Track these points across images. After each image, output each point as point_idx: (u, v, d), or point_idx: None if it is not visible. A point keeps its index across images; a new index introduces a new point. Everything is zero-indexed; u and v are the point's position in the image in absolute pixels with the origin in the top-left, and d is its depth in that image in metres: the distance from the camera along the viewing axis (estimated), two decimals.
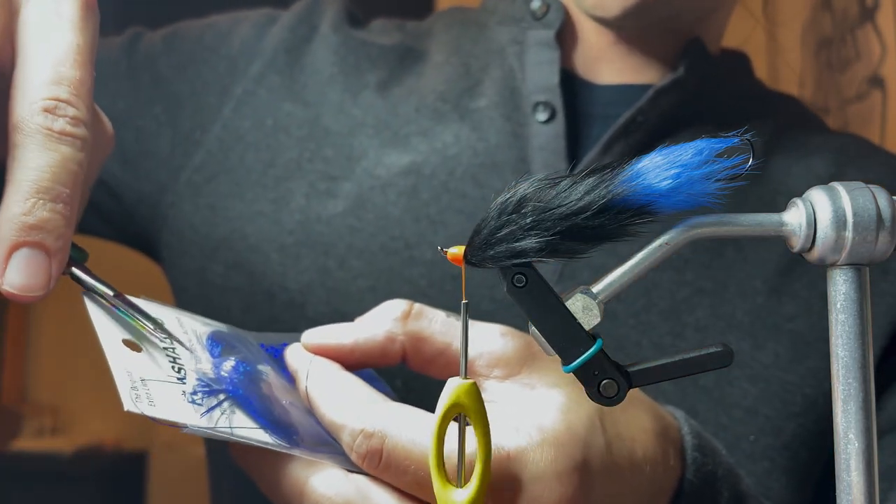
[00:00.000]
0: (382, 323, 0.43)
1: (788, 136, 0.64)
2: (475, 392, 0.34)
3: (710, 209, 0.31)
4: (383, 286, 0.58)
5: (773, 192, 0.60)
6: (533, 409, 0.40)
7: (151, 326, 0.39)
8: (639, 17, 0.57)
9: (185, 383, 0.38)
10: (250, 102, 0.64)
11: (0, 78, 0.37)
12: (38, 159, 0.34)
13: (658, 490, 0.42)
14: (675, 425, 0.44)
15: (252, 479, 0.42)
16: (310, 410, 0.41)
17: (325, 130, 0.63)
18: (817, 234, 0.31)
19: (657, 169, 0.30)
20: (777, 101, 0.68)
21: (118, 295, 0.39)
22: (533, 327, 0.32)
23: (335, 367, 0.42)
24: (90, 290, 0.38)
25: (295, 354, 0.44)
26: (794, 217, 0.31)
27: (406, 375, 0.45)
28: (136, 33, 0.70)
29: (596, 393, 0.32)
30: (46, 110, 0.35)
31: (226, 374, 0.39)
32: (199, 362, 0.39)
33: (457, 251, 0.33)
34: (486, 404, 0.35)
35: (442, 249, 0.33)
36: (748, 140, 0.30)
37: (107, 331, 0.37)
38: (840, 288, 0.31)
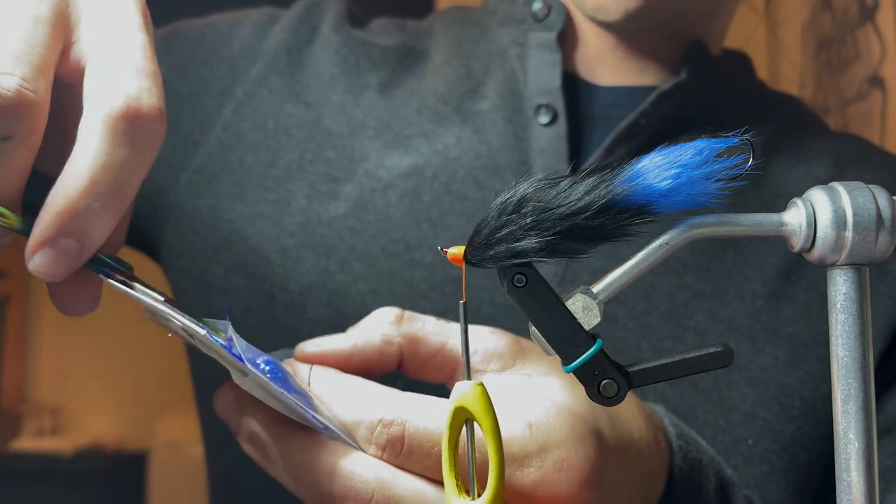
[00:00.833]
0: (378, 327, 0.43)
1: (789, 137, 0.64)
2: (484, 394, 0.33)
3: (710, 209, 0.31)
4: (384, 289, 0.58)
5: (774, 194, 0.60)
6: (538, 389, 0.41)
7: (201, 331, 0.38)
8: (640, 21, 0.57)
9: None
10: (251, 103, 0.64)
11: (63, 91, 0.37)
12: (103, 156, 0.34)
13: (655, 471, 0.43)
14: (657, 413, 0.46)
15: (267, 470, 0.41)
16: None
17: (326, 132, 0.63)
18: (817, 234, 0.31)
19: (657, 169, 0.30)
20: (778, 101, 0.68)
21: (168, 300, 0.39)
22: (533, 327, 0.32)
23: (336, 371, 0.42)
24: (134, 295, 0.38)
25: (293, 365, 0.44)
26: (794, 217, 0.31)
27: (407, 378, 0.45)
28: None
29: (596, 393, 0.32)
30: (130, 97, 0.34)
31: (261, 364, 0.38)
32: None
33: (457, 251, 0.33)
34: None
35: (442, 249, 0.33)
36: (748, 140, 0.30)
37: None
38: (840, 288, 0.31)
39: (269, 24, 0.67)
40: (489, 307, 0.57)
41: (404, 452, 0.38)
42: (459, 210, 0.59)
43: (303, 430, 0.39)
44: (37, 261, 0.34)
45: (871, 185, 0.31)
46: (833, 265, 0.31)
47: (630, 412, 0.43)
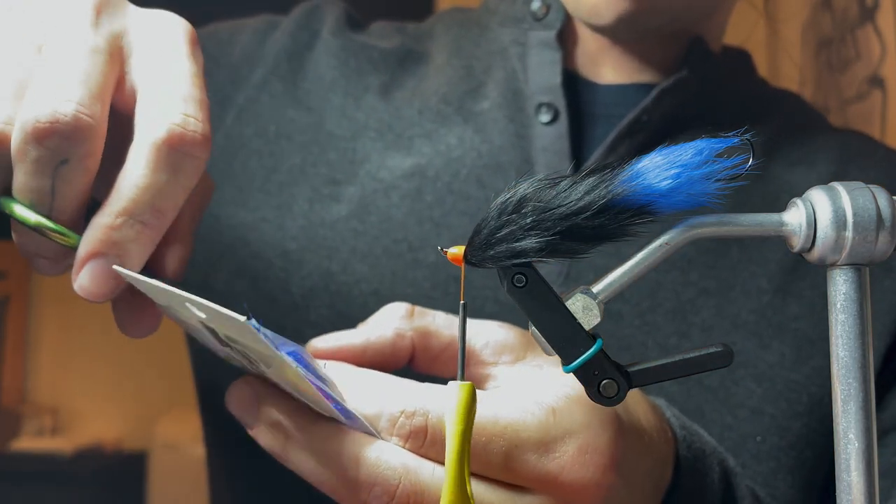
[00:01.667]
0: (389, 322, 0.44)
1: (790, 135, 0.64)
2: (468, 395, 0.33)
3: (710, 209, 0.31)
4: (386, 289, 0.58)
5: (776, 191, 0.60)
6: (553, 378, 0.41)
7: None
8: (633, 25, 0.57)
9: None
10: (253, 110, 0.64)
11: (119, 121, 0.38)
12: (144, 179, 0.36)
13: (664, 459, 0.43)
14: (659, 405, 0.46)
15: (286, 463, 0.40)
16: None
17: (328, 135, 0.63)
18: (817, 234, 0.31)
19: (657, 169, 0.30)
20: (779, 98, 0.68)
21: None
22: (533, 327, 0.32)
23: (351, 365, 0.42)
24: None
25: None
26: (794, 217, 0.31)
27: (416, 375, 0.45)
28: None
29: (596, 393, 0.32)
30: (175, 125, 0.36)
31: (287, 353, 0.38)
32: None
33: (457, 251, 0.33)
34: (499, 389, 0.36)
35: (442, 249, 0.33)
36: (748, 140, 0.30)
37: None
38: (840, 288, 0.31)
39: (268, 30, 0.67)
40: (493, 306, 0.57)
41: (428, 442, 0.38)
42: (462, 210, 0.59)
43: (325, 420, 0.39)
44: (81, 280, 0.36)
45: (871, 185, 0.31)
46: (833, 265, 0.31)
47: (636, 401, 0.43)
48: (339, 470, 0.38)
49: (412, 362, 0.44)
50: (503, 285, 0.32)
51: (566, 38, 0.63)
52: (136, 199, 0.36)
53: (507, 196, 0.31)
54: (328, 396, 0.37)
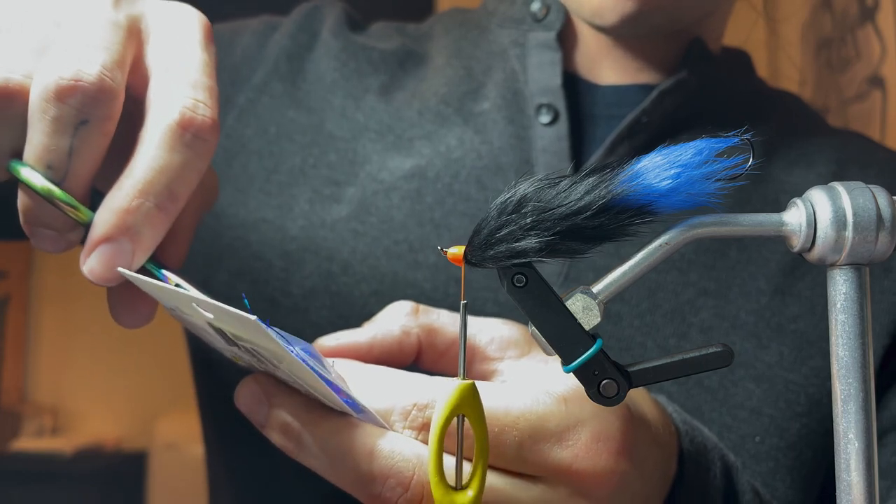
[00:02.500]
0: (395, 319, 0.44)
1: (790, 135, 0.64)
2: (474, 392, 0.34)
3: (710, 209, 0.31)
4: (387, 290, 0.58)
5: (775, 192, 0.60)
6: (560, 371, 0.41)
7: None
8: (636, 25, 0.57)
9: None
10: (253, 111, 0.64)
11: (130, 104, 0.38)
12: (159, 160, 0.36)
13: (670, 451, 0.43)
14: (658, 400, 0.46)
15: (298, 459, 0.40)
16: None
17: (328, 136, 0.63)
18: (817, 234, 0.31)
19: (657, 169, 0.30)
20: (778, 99, 0.68)
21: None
22: (533, 327, 0.32)
23: (358, 362, 0.42)
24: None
25: None
26: (794, 217, 0.31)
27: (422, 372, 0.45)
28: None
29: (596, 393, 0.32)
30: (186, 108, 0.36)
31: (297, 350, 0.38)
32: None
33: (457, 251, 0.33)
34: (506, 383, 0.36)
35: (442, 249, 0.33)
36: (748, 140, 0.30)
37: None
38: (840, 288, 0.31)
39: (268, 31, 0.67)
40: (493, 307, 0.57)
41: None
42: (462, 211, 0.59)
43: (337, 414, 0.39)
44: (91, 262, 0.36)
45: (871, 185, 0.31)
46: (833, 265, 0.31)
47: (640, 395, 0.43)
48: (352, 463, 0.38)
49: (418, 360, 0.44)
50: (503, 285, 0.32)
51: (566, 38, 0.63)
52: (152, 181, 0.36)
53: (507, 196, 0.31)
54: (338, 391, 0.37)
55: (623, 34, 0.61)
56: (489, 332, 0.44)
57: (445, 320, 0.44)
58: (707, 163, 0.30)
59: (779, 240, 0.32)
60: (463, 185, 0.60)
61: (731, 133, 0.31)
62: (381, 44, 0.67)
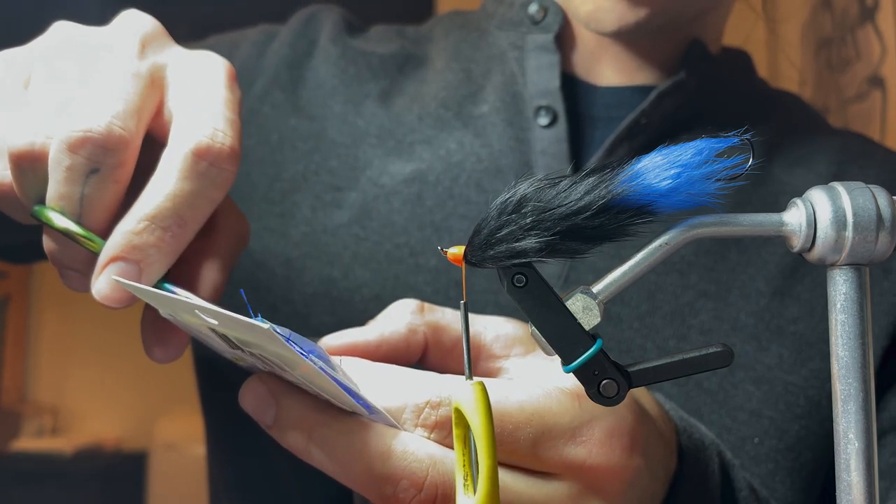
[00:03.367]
0: (401, 318, 0.43)
1: (790, 136, 0.64)
2: (482, 393, 0.33)
3: (710, 209, 0.31)
4: (388, 294, 0.58)
5: (775, 192, 0.60)
6: None
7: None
8: (634, 31, 0.57)
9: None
10: (254, 121, 0.65)
11: (157, 148, 0.39)
12: (171, 186, 0.37)
13: (671, 449, 0.43)
14: (656, 398, 0.46)
15: (308, 460, 0.40)
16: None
17: (329, 142, 0.63)
18: (817, 234, 0.31)
19: (657, 169, 0.30)
20: (778, 99, 0.68)
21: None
22: (533, 327, 0.32)
23: (367, 361, 0.41)
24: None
25: None
26: (794, 217, 0.31)
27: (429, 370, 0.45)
28: None
29: (596, 393, 0.32)
30: (204, 136, 0.38)
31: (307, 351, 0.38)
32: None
33: (457, 251, 0.33)
34: (514, 380, 0.36)
35: (442, 249, 0.33)
36: (748, 140, 0.30)
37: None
38: (840, 288, 0.31)
39: (267, 41, 0.68)
40: (494, 309, 0.57)
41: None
42: (462, 213, 0.59)
43: (347, 415, 0.38)
44: (99, 285, 0.37)
45: (871, 185, 0.31)
46: (833, 265, 0.31)
47: (640, 392, 0.44)
48: (365, 464, 0.38)
49: (424, 358, 0.44)
50: (503, 285, 0.32)
51: (564, 40, 0.63)
52: (159, 205, 0.37)
53: (507, 196, 0.31)
54: (349, 391, 0.37)
55: (621, 38, 0.61)
56: (494, 329, 0.43)
57: (451, 318, 0.44)
58: (707, 163, 0.30)
59: (779, 240, 0.32)
60: (463, 189, 0.60)
61: (731, 133, 0.31)
62: (381, 48, 0.67)
